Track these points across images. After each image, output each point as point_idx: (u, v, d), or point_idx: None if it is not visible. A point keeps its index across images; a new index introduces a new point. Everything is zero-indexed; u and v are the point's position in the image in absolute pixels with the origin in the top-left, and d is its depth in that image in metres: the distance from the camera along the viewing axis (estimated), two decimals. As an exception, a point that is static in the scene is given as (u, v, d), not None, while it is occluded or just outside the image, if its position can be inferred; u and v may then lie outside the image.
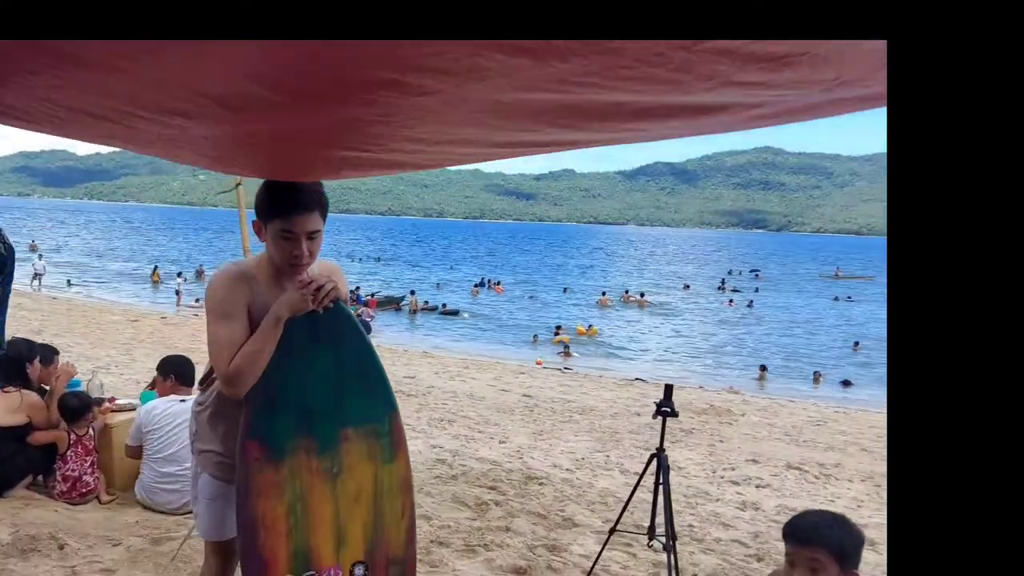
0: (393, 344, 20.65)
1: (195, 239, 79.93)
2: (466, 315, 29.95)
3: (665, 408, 3.79)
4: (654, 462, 3.84)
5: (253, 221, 2.35)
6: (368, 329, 22.64)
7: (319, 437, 2.34)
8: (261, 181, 2.37)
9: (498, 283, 40.66)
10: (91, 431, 4.88)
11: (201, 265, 38.30)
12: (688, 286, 45.98)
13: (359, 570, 2.44)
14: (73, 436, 4.77)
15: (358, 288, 32.20)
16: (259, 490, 2.25)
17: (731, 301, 38.38)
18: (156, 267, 37.63)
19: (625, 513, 3.90)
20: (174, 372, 5.10)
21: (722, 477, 7.58)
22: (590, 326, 26.45)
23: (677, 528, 5.50)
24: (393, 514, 2.49)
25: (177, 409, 4.71)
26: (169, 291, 31.11)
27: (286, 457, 2.29)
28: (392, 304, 30.45)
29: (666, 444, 3.84)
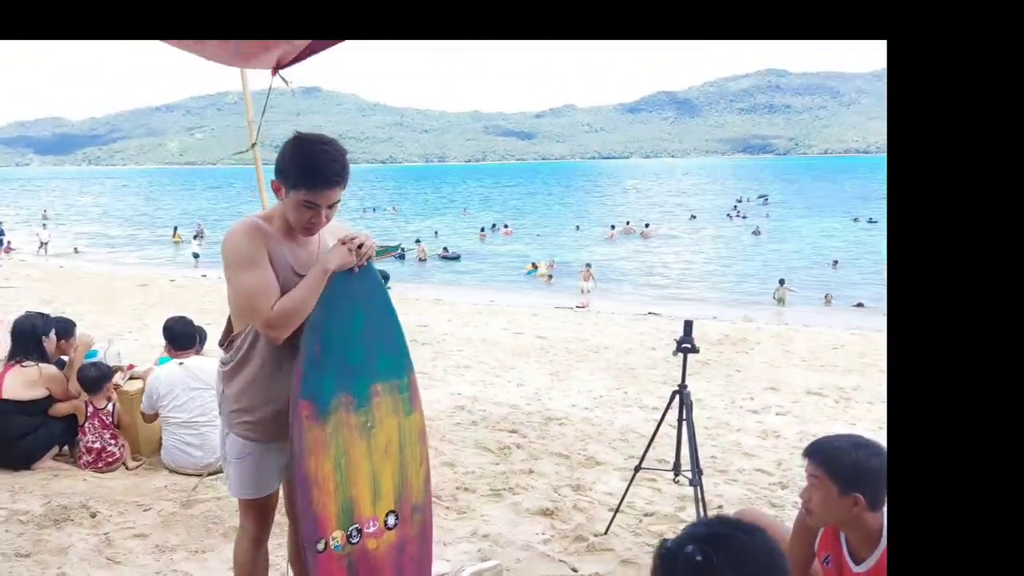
0: (403, 293, 20.68)
1: (203, 198, 79.64)
2: (458, 257, 30.12)
3: (686, 344, 3.79)
4: (676, 398, 3.85)
5: (272, 180, 2.39)
6: (386, 278, 22.69)
7: (356, 393, 2.45)
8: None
9: (506, 226, 40.47)
10: (110, 406, 4.92)
11: (199, 223, 38.20)
12: (695, 216, 45.74)
13: (391, 519, 2.55)
14: (91, 408, 4.82)
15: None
16: (311, 448, 2.34)
17: (741, 216, 38.24)
18: (176, 228, 37.74)
19: (649, 449, 3.93)
20: (167, 337, 5.15)
21: (741, 407, 7.62)
22: (538, 263, 26.68)
23: (700, 461, 5.58)
24: (414, 463, 2.61)
25: (180, 372, 4.75)
26: (180, 254, 31.23)
27: (330, 415, 2.39)
28: (389, 253, 30.36)
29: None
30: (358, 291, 2.44)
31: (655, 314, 16.75)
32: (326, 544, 2.38)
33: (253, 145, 3.46)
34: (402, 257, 30.13)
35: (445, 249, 31.06)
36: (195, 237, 31.95)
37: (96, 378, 4.86)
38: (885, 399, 7.94)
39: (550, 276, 24.52)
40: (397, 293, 20.85)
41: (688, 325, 3.83)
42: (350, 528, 2.44)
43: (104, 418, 4.84)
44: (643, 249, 32.80)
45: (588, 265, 23.38)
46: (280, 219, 2.45)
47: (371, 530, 2.49)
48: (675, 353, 3.82)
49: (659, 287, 23.50)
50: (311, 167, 2.31)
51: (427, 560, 2.72)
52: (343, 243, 2.39)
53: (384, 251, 30.52)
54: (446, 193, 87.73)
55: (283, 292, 2.36)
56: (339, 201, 2.40)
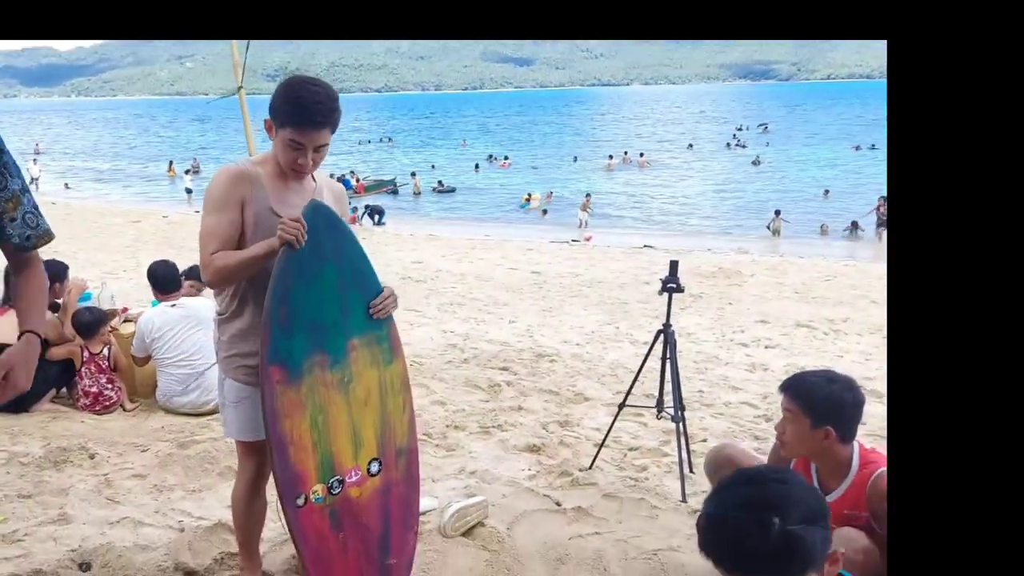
0: (398, 229, 20.69)
1: (194, 130, 78.69)
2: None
3: (671, 284, 3.84)
4: (661, 337, 3.93)
5: (265, 119, 2.42)
6: (381, 213, 22.66)
7: (331, 351, 2.47)
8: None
9: (506, 158, 40.15)
10: (105, 351, 5.01)
11: (195, 159, 37.95)
12: (691, 145, 45.36)
13: (374, 466, 2.61)
14: (87, 353, 4.91)
15: (352, 172, 31.97)
16: (285, 411, 2.37)
17: (741, 145, 38.04)
18: (171, 162, 37.54)
19: (636, 384, 4.03)
20: (151, 282, 5.24)
21: (731, 340, 7.75)
22: (532, 193, 26.85)
23: (686, 395, 5.68)
24: (397, 410, 2.66)
25: (175, 313, 4.84)
26: (174, 189, 31.11)
27: (304, 376, 2.41)
28: (382, 188, 30.20)
29: (674, 311, 3.93)
30: (328, 248, 2.43)
31: (650, 247, 16.80)
32: (306, 499, 2.44)
33: (240, 88, 3.46)
34: (395, 192, 29.94)
35: (440, 183, 30.89)
36: (186, 172, 31.75)
37: (91, 323, 4.94)
38: (873, 331, 8.08)
39: (544, 211, 24.53)
40: (391, 228, 20.88)
41: (673, 265, 3.87)
42: (331, 480, 2.50)
43: (100, 363, 4.94)
44: (640, 180, 32.66)
45: (588, 195, 23.36)
46: (272, 162, 2.49)
47: (353, 479, 2.55)
48: (660, 292, 3.88)
49: (655, 220, 23.50)
50: (299, 107, 2.34)
51: (415, 497, 2.81)
52: (288, 226, 2.35)
53: (378, 185, 30.38)
54: (443, 123, 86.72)
55: (260, 232, 2.41)
56: (326, 144, 2.43)
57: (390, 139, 58.77)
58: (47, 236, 2.01)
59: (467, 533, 3.18)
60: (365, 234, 19.17)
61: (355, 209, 22.79)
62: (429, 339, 7.44)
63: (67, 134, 79.36)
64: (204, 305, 4.96)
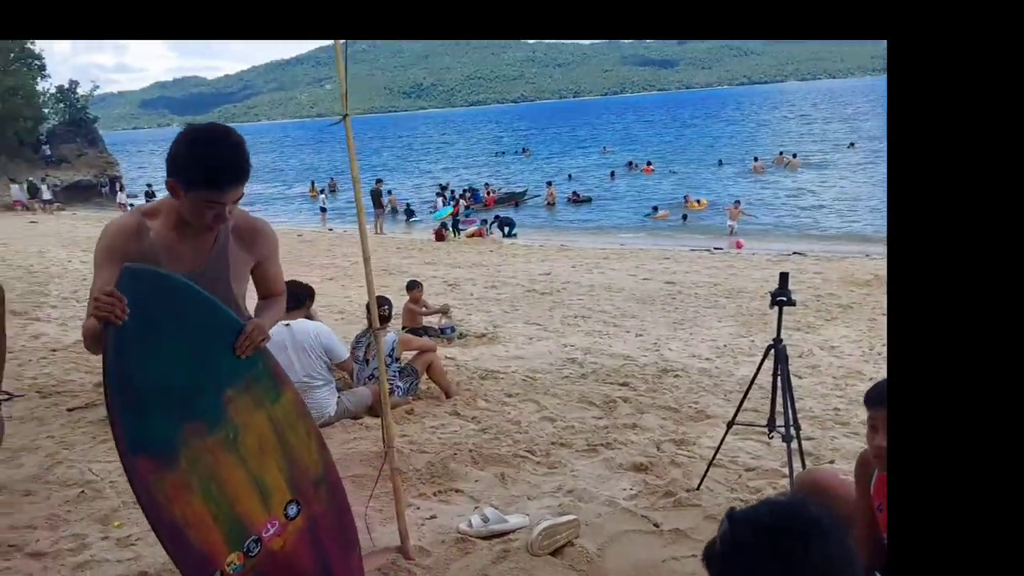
0: (529, 241, 20.91)
1: (332, 149, 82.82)
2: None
3: (781, 297, 3.73)
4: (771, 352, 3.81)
5: (167, 180, 2.26)
6: (512, 225, 23.03)
7: (203, 416, 2.29)
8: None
9: (648, 164, 39.86)
10: None
11: (332, 179, 39.86)
12: (853, 144, 43.35)
13: (292, 509, 2.47)
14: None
15: (487, 185, 32.61)
16: (167, 498, 2.19)
17: None
18: (313, 182, 39.81)
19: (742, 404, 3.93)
20: None
21: (879, 354, 7.34)
22: (699, 200, 26.31)
23: (820, 412, 5.47)
24: (300, 442, 2.52)
25: (286, 334, 5.12)
26: (312, 208, 32.90)
27: (180, 453, 2.22)
28: (511, 200, 30.55)
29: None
30: (158, 312, 2.20)
31: (799, 254, 16.21)
32: (222, 574, 2.29)
33: (345, 116, 3.68)
34: (517, 204, 30.13)
35: (575, 193, 30.98)
36: (321, 192, 33.42)
37: None
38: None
39: (685, 216, 24.19)
40: (521, 240, 21.13)
41: (783, 277, 3.76)
42: (245, 543, 2.34)
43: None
44: (791, 183, 31.55)
45: (737, 201, 22.86)
46: (169, 213, 2.37)
47: (271, 531, 2.41)
48: (771, 307, 3.76)
49: (805, 224, 22.65)
50: (212, 167, 2.20)
51: (347, 520, 2.67)
52: (94, 298, 2.11)
53: (509, 197, 30.85)
54: (582, 131, 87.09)
55: None
56: (243, 195, 2.31)
57: (525, 150, 59.54)
58: None
59: (555, 552, 3.18)
60: (493, 246, 19.52)
61: (484, 221, 23.26)
62: (548, 353, 7.48)
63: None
64: (313, 329, 5.22)
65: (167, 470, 2.19)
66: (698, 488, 3.89)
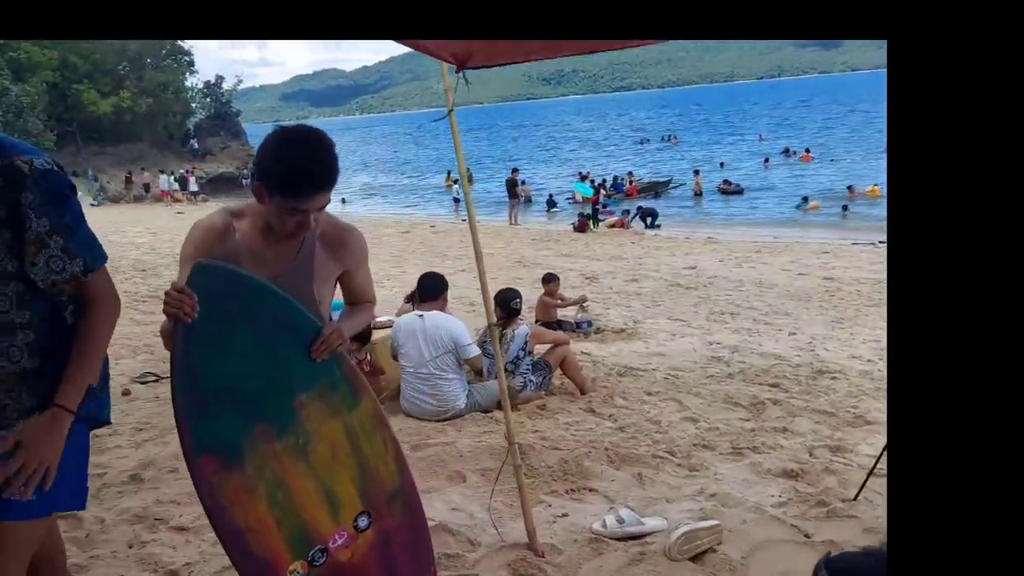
0: (674, 232, 20.60)
1: (468, 139, 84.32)
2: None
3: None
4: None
5: (254, 186, 2.29)
6: (655, 216, 22.79)
7: (273, 419, 2.31)
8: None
9: (807, 151, 38.51)
10: (368, 355, 5.64)
11: (468, 169, 40.59)
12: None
13: (363, 521, 2.47)
14: (354, 359, 5.54)
15: (629, 173, 32.34)
16: (230, 501, 2.23)
17: None
18: (449, 172, 40.81)
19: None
20: (418, 287, 5.72)
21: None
22: (875, 185, 24.96)
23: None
24: (376, 453, 2.50)
25: (419, 325, 5.26)
26: (442, 197, 33.63)
27: (246, 456, 2.25)
28: (653, 190, 30.09)
29: None
30: (232, 310, 2.23)
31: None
32: None
33: (451, 111, 3.80)
34: (658, 194, 29.67)
35: (726, 182, 30.20)
36: (455, 182, 34.11)
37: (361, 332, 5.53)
38: None
39: (845, 207, 23.15)
40: (665, 232, 20.84)
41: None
42: (311, 553, 2.35)
43: (365, 366, 5.53)
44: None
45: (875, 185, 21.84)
46: (256, 216, 2.41)
47: (339, 542, 2.42)
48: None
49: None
50: (296, 172, 2.19)
51: (423, 536, 2.65)
52: (165, 293, 2.16)
53: (652, 187, 30.48)
54: (735, 117, 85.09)
55: None
56: (329, 201, 2.31)
57: (672, 137, 58.71)
58: (74, 280, 1.99)
59: (696, 558, 3.11)
60: (635, 238, 19.33)
61: (626, 211, 23.05)
62: (692, 350, 7.35)
63: (354, 149, 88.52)
64: (445, 322, 5.35)
65: (231, 472, 2.22)
66: (855, 498, 3.71)
